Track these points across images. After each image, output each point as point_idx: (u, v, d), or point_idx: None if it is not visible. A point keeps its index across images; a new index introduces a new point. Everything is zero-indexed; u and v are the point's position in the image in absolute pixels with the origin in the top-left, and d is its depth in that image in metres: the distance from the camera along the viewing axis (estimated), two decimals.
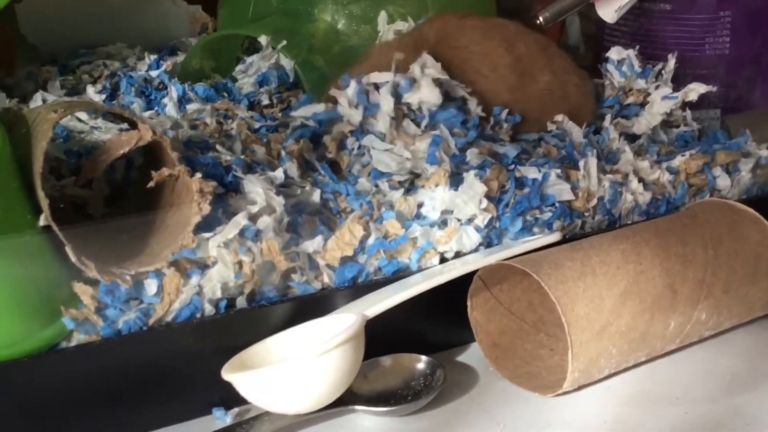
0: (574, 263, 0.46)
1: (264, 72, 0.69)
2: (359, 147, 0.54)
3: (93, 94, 0.66)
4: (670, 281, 0.47)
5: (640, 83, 0.65)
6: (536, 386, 0.47)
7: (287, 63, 0.67)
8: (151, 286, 0.45)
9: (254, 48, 0.73)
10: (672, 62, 0.65)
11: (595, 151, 0.57)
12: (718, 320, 0.50)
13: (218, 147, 0.53)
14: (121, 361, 0.43)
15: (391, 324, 0.45)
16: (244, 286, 0.46)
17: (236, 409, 0.46)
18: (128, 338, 0.43)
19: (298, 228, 0.49)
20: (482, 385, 0.48)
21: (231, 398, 0.44)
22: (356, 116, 0.54)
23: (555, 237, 0.51)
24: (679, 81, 0.65)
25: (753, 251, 0.51)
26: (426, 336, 0.50)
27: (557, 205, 0.53)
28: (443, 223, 0.51)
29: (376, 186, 0.53)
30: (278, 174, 0.51)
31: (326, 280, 0.48)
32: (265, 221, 0.47)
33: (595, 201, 0.54)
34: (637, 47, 0.66)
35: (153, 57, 0.71)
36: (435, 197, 0.51)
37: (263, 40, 0.65)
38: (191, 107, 0.62)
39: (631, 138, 0.62)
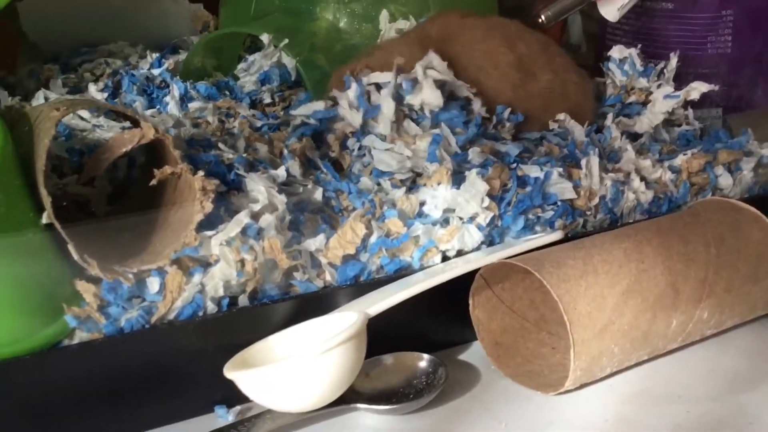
0: (576, 262, 0.46)
1: (266, 70, 0.69)
2: (360, 147, 0.54)
3: (95, 92, 0.66)
4: (672, 280, 0.47)
5: (642, 82, 0.65)
6: (538, 385, 0.47)
7: (289, 61, 0.67)
8: (153, 284, 0.45)
9: (256, 46, 0.72)
10: (674, 61, 0.65)
11: (597, 149, 0.57)
12: (720, 319, 0.50)
13: (220, 145, 0.54)
14: (124, 359, 0.43)
15: (393, 322, 0.45)
16: (246, 284, 0.46)
17: (238, 407, 0.46)
18: (130, 336, 0.43)
19: (300, 226, 0.49)
20: (484, 384, 0.48)
21: (233, 396, 0.44)
22: (357, 118, 0.54)
23: (557, 236, 0.51)
24: (681, 80, 0.65)
25: (755, 250, 0.51)
26: (428, 334, 0.50)
27: (559, 203, 0.53)
28: (445, 222, 0.51)
29: (378, 184, 0.53)
30: (280, 172, 0.51)
31: (328, 278, 0.48)
32: (267, 219, 0.47)
33: (597, 200, 0.54)
34: (639, 46, 0.66)
35: (155, 55, 0.71)
36: (437, 196, 0.51)
37: (265, 38, 0.65)
38: (193, 105, 0.62)
39: (633, 137, 0.62)
